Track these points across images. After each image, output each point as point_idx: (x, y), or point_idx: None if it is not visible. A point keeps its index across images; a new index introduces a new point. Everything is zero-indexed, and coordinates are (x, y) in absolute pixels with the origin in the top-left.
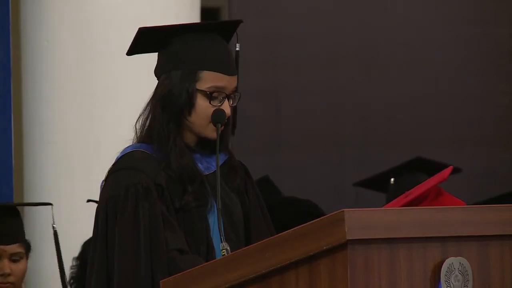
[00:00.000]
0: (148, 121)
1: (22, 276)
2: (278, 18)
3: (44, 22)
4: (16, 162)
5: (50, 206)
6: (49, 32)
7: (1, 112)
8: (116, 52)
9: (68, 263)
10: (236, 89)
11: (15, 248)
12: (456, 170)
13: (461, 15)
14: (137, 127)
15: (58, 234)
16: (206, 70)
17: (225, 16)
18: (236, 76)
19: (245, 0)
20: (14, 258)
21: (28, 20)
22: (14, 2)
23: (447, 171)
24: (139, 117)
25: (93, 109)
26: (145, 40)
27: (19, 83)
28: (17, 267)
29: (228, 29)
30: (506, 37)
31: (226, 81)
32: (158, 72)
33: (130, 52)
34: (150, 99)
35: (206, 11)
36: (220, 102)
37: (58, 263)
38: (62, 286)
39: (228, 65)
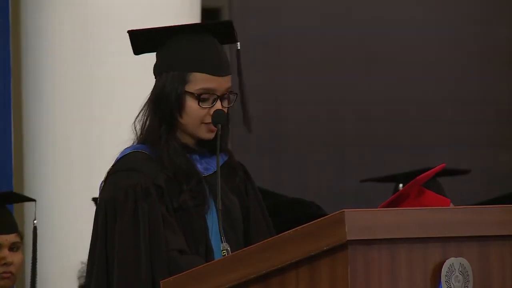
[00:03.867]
0: (146, 122)
1: (20, 267)
2: (278, 18)
3: (44, 22)
4: (16, 162)
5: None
6: (49, 32)
7: (1, 112)
8: (116, 52)
9: (68, 263)
10: (230, 89)
11: (14, 237)
12: (465, 171)
13: (461, 15)
14: (137, 127)
15: (37, 231)
16: (195, 72)
17: (225, 17)
18: (229, 76)
19: (245, 0)
20: (13, 247)
21: (28, 20)
22: (14, 3)
23: (435, 170)
24: (136, 117)
25: (93, 109)
26: (140, 41)
27: (19, 83)
28: (17, 257)
29: (222, 30)
30: (506, 37)
31: (216, 83)
32: (154, 72)
33: (135, 52)
34: (148, 98)
35: (206, 12)
36: (211, 104)
37: (32, 260)
38: (31, 282)
39: (217, 66)
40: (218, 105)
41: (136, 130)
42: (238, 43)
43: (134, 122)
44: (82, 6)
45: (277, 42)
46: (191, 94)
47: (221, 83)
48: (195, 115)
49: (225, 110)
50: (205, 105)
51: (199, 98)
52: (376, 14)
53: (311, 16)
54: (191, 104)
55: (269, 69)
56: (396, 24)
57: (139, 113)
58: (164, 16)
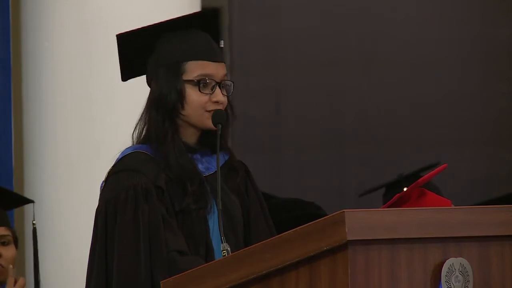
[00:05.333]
0: (145, 125)
1: (11, 262)
2: (278, 18)
3: (44, 22)
4: (16, 162)
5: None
6: (49, 32)
7: (1, 112)
8: (116, 53)
9: (68, 263)
10: (226, 77)
11: (3, 230)
12: (434, 165)
13: (461, 15)
14: (135, 135)
15: (37, 231)
16: (189, 60)
17: (225, 17)
18: (223, 64)
19: (245, 0)
20: (2, 241)
21: (28, 20)
22: (14, 2)
23: (437, 171)
24: (136, 126)
25: (93, 110)
26: (130, 50)
27: (19, 83)
28: (6, 251)
29: (208, 21)
30: (506, 37)
31: (212, 68)
32: (148, 80)
33: (123, 77)
34: (145, 106)
35: (206, 12)
36: (211, 90)
37: (34, 260)
38: (35, 282)
39: (211, 52)
40: (218, 92)
41: (133, 138)
42: (222, 41)
43: (133, 132)
44: (82, 6)
45: (277, 42)
46: (190, 81)
47: (217, 69)
48: (197, 102)
49: (226, 98)
50: (206, 91)
51: (199, 84)
52: (376, 14)
53: (311, 16)
54: (191, 92)
55: (269, 69)
56: (396, 23)
57: (138, 122)
58: (164, 16)
